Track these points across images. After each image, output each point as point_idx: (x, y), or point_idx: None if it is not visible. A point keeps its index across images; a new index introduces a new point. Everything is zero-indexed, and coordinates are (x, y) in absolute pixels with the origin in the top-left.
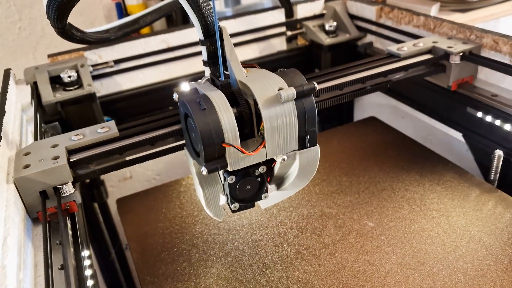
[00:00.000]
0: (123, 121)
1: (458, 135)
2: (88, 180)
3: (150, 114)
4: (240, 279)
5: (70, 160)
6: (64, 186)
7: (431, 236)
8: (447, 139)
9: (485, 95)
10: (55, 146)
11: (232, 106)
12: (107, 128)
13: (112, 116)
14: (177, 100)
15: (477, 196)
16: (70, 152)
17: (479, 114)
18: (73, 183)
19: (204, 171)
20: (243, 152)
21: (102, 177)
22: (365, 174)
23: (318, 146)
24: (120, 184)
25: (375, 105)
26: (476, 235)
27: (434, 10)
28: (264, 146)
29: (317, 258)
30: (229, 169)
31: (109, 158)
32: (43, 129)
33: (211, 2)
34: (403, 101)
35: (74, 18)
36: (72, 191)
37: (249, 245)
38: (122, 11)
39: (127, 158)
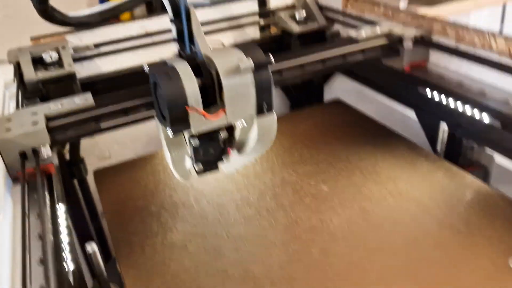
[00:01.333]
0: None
1: (412, 114)
2: (68, 158)
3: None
4: (204, 234)
5: (48, 125)
6: (42, 148)
7: (379, 198)
8: (403, 118)
9: (435, 76)
10: (34, 113)
11: (196, 76)
12: (84, 99)
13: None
14: (147, 71)
15: (424, 165)
16: (49, 119)
17: (429, 93)
18: (51, 147)
19: (170, 132)
20: (204, 116)
21: (82, 154)
22: (325, 147)
23: (274, 113)
24: (99, 163)
25: (342, 89)
26: (418, 197)
27: (402, 4)
28: (225, 112)
29: (274, 217)
30: (192, 131)
31: (85, 126)
32: (24, 105)
33: None
34: (365, 84)
35: (57, 3)
36: (50, 154)
37: (213, 206)
38: None
39: (102, 126)
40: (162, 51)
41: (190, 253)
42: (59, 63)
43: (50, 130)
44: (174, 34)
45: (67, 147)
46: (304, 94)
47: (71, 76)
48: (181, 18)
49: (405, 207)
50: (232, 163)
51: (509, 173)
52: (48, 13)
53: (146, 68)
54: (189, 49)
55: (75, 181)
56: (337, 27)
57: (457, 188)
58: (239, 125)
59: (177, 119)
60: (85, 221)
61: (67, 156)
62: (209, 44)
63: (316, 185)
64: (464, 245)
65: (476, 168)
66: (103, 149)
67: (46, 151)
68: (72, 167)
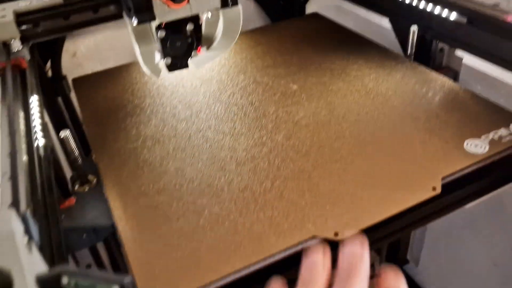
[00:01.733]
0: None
1: (386, 21)
2: (50, 75)
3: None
4: (174, 127)
5: (18, 20)
6: (12, 42)
7: (345, 93)
8: (379, 29)
9: None
10: (3, 9)
11: None
12: None
13: None
14: None
15: (392, 66)
16: (18, 15)
17: None
18: (22, 43)
19: (134, 21)
20: (168, 5)
21: (65, 72)
22: (299, 54)
23: (240, 6)
24: None
25: (322, 5)
26: (384, 93)
27: None
28: (188, 2)
29: (244, 111)
30: (157, 21)
31: (54, 21)
32: None
33: None
34: None
35: None
36: (20, 48)
37: (185, 105)
38: None
39: (71, 23)
40: None
41: (162, 143)
42: None
43: (19, 24)
44: None
45: (49, 64)
46: (284, 12)
47: None
48: None
49: (370, 101)
50: (201, 59)
51: (476, 73)
52: None
53: None
54: None
55: (59, 99)
56: None
57: (422, 84)
58: (205, 17)
59: (141, 7)
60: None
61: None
62: None
63: (286, 84)
64: (420, 129)
65: (445, 71)
66: (86, 69)
67: (16, 44)
68: (55, 84)
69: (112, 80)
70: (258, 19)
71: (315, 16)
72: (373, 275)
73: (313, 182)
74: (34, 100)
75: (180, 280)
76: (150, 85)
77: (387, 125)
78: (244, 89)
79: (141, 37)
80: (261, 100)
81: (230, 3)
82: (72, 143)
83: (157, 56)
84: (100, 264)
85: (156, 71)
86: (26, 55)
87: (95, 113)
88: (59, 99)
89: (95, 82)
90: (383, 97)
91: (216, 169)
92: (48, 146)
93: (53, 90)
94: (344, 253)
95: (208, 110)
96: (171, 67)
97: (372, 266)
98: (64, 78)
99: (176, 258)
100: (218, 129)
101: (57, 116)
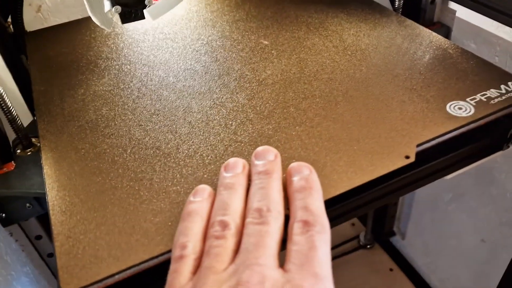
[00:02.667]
0: None
1: None
2: (12, 31)
3: None
4: (127, 84)
5: None
6: None
7: (320, 49)
8: None
9: None
10: None
11: None
12: None
13: None
14: None
15: (376, 20)
16: None
17: None
18: None
19: None
20: None
21: (28, 29)
22: (275, 6)
23: None
24: None
25: None
26: (363, 49)
27: None
28: None
29: (206, 68)
30: None
31: None
32: None
33: None
34: None
35: None
36: None
37: (142, 61)
38: None
39: None
40: None
41: (110, 102)
42: None
43: None
44: None
45: (9, 19)
46: None
47: None
48: None
49: (347, 58)
50: (158, 7)
51: (470, 28)
52: None
53: None
54: None
55: (23, 57)
56: None
57: (407, 40)
58: None
59: None
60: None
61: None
62: None
63: (256, 39)
64: (399, 87)
65: (437, 26)
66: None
67: None
68: (18, 41)
69: (70, 34)
70: None
71: None
72: (359, 247)
73: (271, 146)
74: None
75: (105, 262)
76: (109, 40)
77: (363, 83)
78: (210, 45)
79: None
80: (227, 57)
81: None
82: (8, 102)
83: (107, 3)
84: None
85: (106, 22)
86: None
87: (44, 69)
88: (23, 58)
89: (51, 36)
90: (362, 54)
91: (165, 132)
92: None
93: (16, 48)
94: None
95: (167, 67)
96: (124, 18)
97: (358, 237)
98: (27, 34)
99: (106, 231)
100: (174, 88)
101: (21, 74)
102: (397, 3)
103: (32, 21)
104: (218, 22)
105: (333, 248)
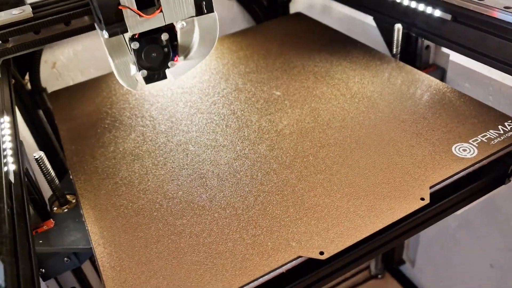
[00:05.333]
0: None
1: (370, 20)
2: (30, 88)
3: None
4: (154, 140)
5: None
6: None
7: (329, 98)
8: (364, 27)
9: None
10: None
11: None
12: (21, 10)
13: None
14: None
15: (378, 66)
16: None
17: None
18: None
19: (105, 34)
20: (140, 15)
21: (44, 84)
22: (281, 57)
23: (215, 12)
24: None
25: (306, 5)
26: (369, 96)
27: None
28: (161, 11)
29: (226, 121)
30: (129, 33)
31: (25, 37)
32: None
33: None
34: None
35: None
36: None
37: (165, 116)
38: None
39: (42, 36)
40: None
41: (140, 158)
42: None
43: None
44: None
45: (27, 77)
46: (268, 12)
47: None
48: None
49: (355, 105)
50: (179, 69)
51: (463, 70)
52: None
53: None
54: None
55: (41, 112)
56: None
57: (408, 85)
58: (179, 26)
59: (111, 19)
60: (55, 152)
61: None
62: None
63: (269, 90)
64: (407, 132)
65: (433, 69)
66: (67, 80)
67: None
68: (35, 97)
69: (90, 93)
70: (241, 21)
71: (298, 16)
72: (370, 277)
73: (298, 196)
74: (5, 122)
75: None
76: (130, 96)
77: (373, 130)
78: (226, 98)
79: (115, 49)
80: (244, 108)
81: (205, 10)
82: (47, 164)
83: (133, 68)
84: (85, 286)
85: (132, 84)
86: None
87: (73, 129)
88: (40, 112)
89: (72, 95)
90: (369, 100)
91: (197, 186)
92: (22, 169)
93: (33, 104)
94: None
95: (189, 121)
96: (148, 79)
97: (369, 267)
98: (44, 90)
99: (155, 285)
100: (199, 141)
101: (39, 130)
102: (395, 49)
103: (48, 77)
104: (231, 75)
105: (344, 280)
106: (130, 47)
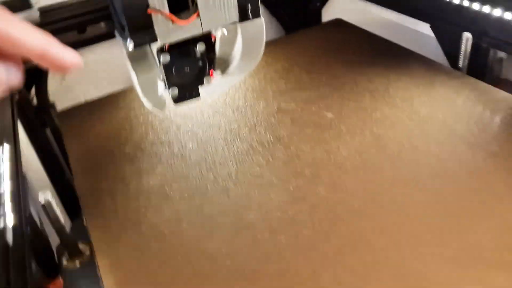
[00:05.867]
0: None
1: (426, 28)
2: (36, 104)
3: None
4: (186, 176)
5: None
6: None
7: (394, 122)
8: (415, 35)
9: None
10: None
11: None
12: (27, 15)
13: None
14: None
15: (445, 83)
16: None
17: None
18: None
19: (130, 44)
20: (172, 21)
21: (53, 99)
22: (326, 70)
23: (262, 18)
24: None
25: (343, 10)
26: (441, 119)
27: None
28: (199, 16)
29: (271, 151)
30: (159, 42)
31: None
32: None
33: None
34: (371, 0)
35: None
36: None
37: (198, 144)
38: None
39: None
40: None
41: (170, 199)
42: None
43: None
44: None
45: (33, 91)
46: (299, 20)
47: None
48: None
49: (427, 131)
50: (215, 87)
51: None
52: None
53: None
54: None
55: (48, 131)
56: None
57: (487, 105)
58: (219, 35)
59: (137, 25)
60: (63, 175)
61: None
62: None
63: (319, 112)
64: (501, 170)
65: (505, 85)
66: (78, 94)
67: None
68: (42, 114)
69: (105, 113)
70: (269, 29)
71: (339, 23)
72: None
73: (380, 258)
74: (5, 152)
75: None
76: (153, 118)
77: (459, 166)
78: (268, 120)
79: (139, 63)
80: (291, 134)
81: (250, 14)
82: (56, 209)
83: (160, 85)
84: None
85: (159, 104)
86: None
87: (86, 158)
88: (48, 131)
89: (85, 116)
90: (443, 126)
91: (244, 241)
92: (23, 221)
93: (40, 121)
94: None
95: (226, 149)
96: (178, 99)
97: None
98: (52, 106)
99: None
100: (241, 178)
101: (46, 151)
102: (461, 62)
103: (57, 91)
104: (270, 92)
105: None
106: (159, 60)
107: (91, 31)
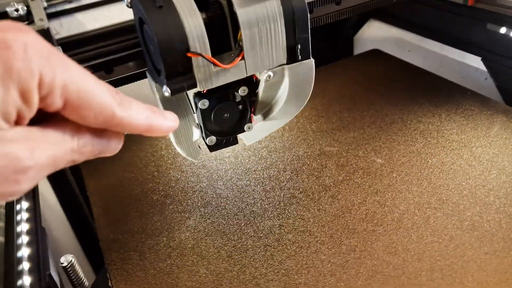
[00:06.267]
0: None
1: (476, 61)
2: None
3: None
4: (223, 231)
5: None
6: None
7: (453, 170)
8: (462, 68)
9: (509, 6)
10: None
11: (199, 7)
12: None
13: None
14: (129, 4)
15: (504, 123)
16: None
17: (502, 30)
18: None
19: (167, 91)
20: (215, 64)
21: None
22: (370, 108)
23: (312, 59)
24: None
25: (376, 39)
26: (507, 167)
27: None
28: (243, 58)
29: (316, 202)
30: (199, 88)
31: None
32: None
33: None
34: (408, 29)
35: None
36: None
37: (233, 192)
38: None
39: None
40: None
41: (206, 259)
42: (28, 17)
43: None
44: None
45: None
46: (330, 50)
47: (45, 33)
48: None
49: (494, 181)
50: (255, 132)
51: None
52: None
53: None
54: None
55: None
56: None
57: None
58: (264, 77)
59: (175, 70)
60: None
61: None
62: None
63: (366, 156)
64: None
65: None
66: None
67: None
68: None
69: (130, 152)
70: None
71: (377, 53)
72: None
73: None
74: (23, 205)
75: None
76: (182, 159)
77: None
78: (310, 166)
79: (173, 108)
80: (338, 183)
81: (299, 56)
82: (79, 271)
83: (196, 132)
84: None
85: (194, 152)
86: None
87: (108, 206)
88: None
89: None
90: (509, 176)
91: None
92: (42, 278)
93: None
94: None
95: (266, 200)
96: (214, 147)
97: None
98: None
99: None
100: (284, 235)
101: (66, 191)
102: None
103: None
104: (309, 132)
105: None
106: (195, 105)
107: (119, 71)
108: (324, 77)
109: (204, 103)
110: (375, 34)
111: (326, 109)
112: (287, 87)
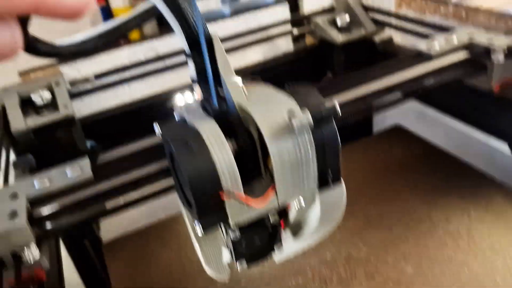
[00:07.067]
0: (109, 144)
1: (503, 146)
2: None
3: (140, 135)
4: None
5: (33, 214)
6: (25, 250)
7: (487, 282)
8: (487, 150)
9: None
10: (14, 196)
11: (229, 138)
12: (78, 169)
13: (97, 139)
14: (160, 136)
15: None
16: (33, 203)
17: None
18: (38, 245)
19: (199, 230)
20: (247, 204)
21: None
22: (396, 200)
23: (343, 183)
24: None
25: (396, 112)
26: None
27: None
28: (274, 190)
29: None
30: (230, 223)
31: (84, 210)
32: (13, 164)
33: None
34: (431, 105)
35: (57, 25)
36: (37, 256)
37: None
38: (107, 15)
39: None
40: (178, 75)
41: None
42: (53, 104)
43: (34, 221)
44: (192, 73)
45: None
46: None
47: (69, 121)
48: (201, 51)
49: None
50: (285, 251)
51: None
52: (29, 45)
53: (158, 131)
54: (215, 93)
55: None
56: (388, 32)
57: None
58: (295, 205)
59: (207, 210)
60: None
61: None
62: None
63: (395, 263)
64: None
65: None
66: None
67: (31, 253)
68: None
69: (152, 246)
70: None
71: (398, 131)
72: None
73: None
74: None
75: None
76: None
77: None
78: (336, 271)
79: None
80: None
81: (330, 181)
82: None
83: (225, 253)
84: None
85: (223, 272)
86: (44, 263)
87: None
88: (87, 243)
89: (130, 250)
90: None
91: None
92: None
93: (79, 233)
94: None
95: None
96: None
97: None
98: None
99: None
100: None
101: (86, 267)
102: None
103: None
104: (335, 232)
105: None
106: (227, 234)
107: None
108: (345, 160)
109: (235, 234)
110: (395, 109)
111: (351, 202)
112: (318, 212)
